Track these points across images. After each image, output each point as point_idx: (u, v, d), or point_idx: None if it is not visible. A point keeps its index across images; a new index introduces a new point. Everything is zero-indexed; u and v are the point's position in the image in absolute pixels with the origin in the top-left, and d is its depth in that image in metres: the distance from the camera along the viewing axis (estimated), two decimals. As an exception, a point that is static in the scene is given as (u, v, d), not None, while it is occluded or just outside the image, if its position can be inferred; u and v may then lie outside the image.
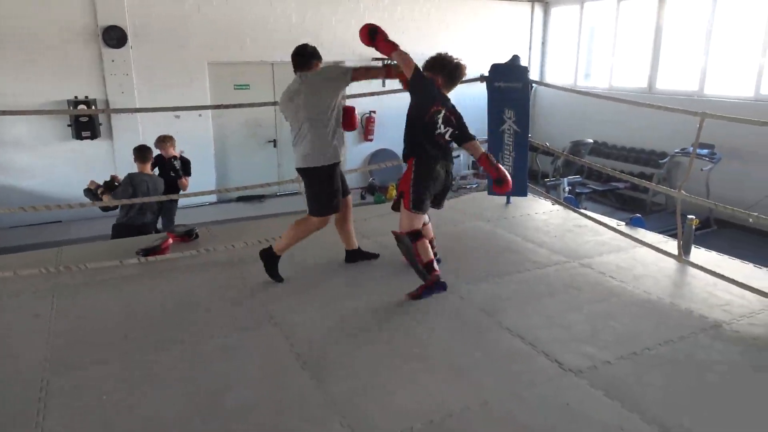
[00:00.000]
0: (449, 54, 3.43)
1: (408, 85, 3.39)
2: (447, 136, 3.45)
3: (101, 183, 5.42)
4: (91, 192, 5.35)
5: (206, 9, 8.42)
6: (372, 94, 6.62)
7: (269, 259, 3.72)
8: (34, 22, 7.59)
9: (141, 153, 5.51)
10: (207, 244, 4.43)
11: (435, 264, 3.46)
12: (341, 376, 2.70)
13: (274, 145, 9.43)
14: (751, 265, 4.06)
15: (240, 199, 9.11)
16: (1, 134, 7.83)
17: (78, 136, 8.00)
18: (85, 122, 7.99)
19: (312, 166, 3.54)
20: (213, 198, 8.99)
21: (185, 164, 6.11)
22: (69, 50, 7.84)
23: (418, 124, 3.39)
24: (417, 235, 3.42)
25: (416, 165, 3.39)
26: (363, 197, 9.69)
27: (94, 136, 8.03)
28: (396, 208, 3.57)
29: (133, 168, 5.48)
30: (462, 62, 3.45)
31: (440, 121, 3.39)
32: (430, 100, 3.35)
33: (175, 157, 5.96)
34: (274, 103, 8.40)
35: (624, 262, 4.08)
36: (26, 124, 7.85)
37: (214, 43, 8.57)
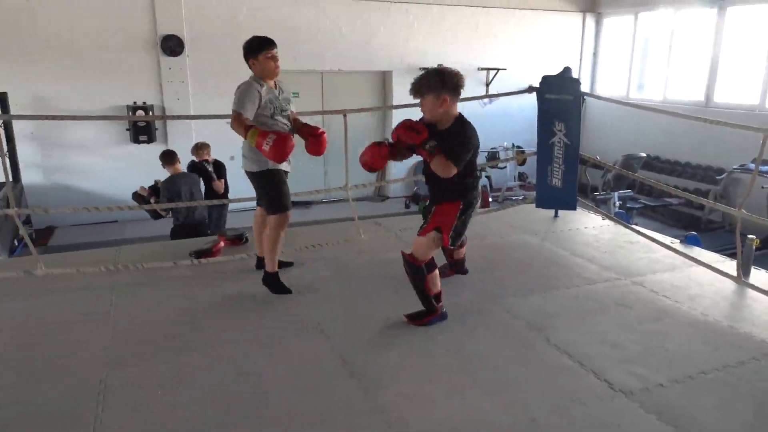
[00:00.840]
0: (439, 66, 3.19)
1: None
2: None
3: (148, 189, 5.70)
4: (141, 197, 5.59)
5: (259, 18, 8.65)
6: (417, 105, 6.67)
7: (270, 280, 3.67)
8: (98, 31, 7.98)
9: (166, 157, 5.76)
10: (256, 248, 4.52)
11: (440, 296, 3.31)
12: (387, 385, 2.71)
13: (321, 153, 9.56)
14: (816, 289, 3.86)
15: (287, 204, 9.27)
16: (65, 138, 8.26)
17: (135, 140, 8.35)
18: (143, 127, 8.34)
19: (251, 171, 3.60)
20: (260, 203, 9.18)
21: (218, 167, 6.31)
22: (130, 58, 8.21)
23: (466, 167, 3.08)
24: (432, 265, 3.22)
25: (463, 209, 3.13)
26: (407, 206, 9.72)
27: (150, 140, 8.37)
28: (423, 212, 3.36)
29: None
30: (454, 69, 3.08)
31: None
32: (474, 150, 3.09)
33: (206, 161, 6.15)
34: (323, 112, 8.60)
35: (679, 281, 3.95)
36: (88, 127, 8.24)
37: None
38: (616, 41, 10.84)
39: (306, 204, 9.31)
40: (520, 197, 9.32)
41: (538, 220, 5.39)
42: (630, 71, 10.53)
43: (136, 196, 5.68)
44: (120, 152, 8.44)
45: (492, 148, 9.79)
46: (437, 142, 2.99)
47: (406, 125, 3.06)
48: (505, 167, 10.11)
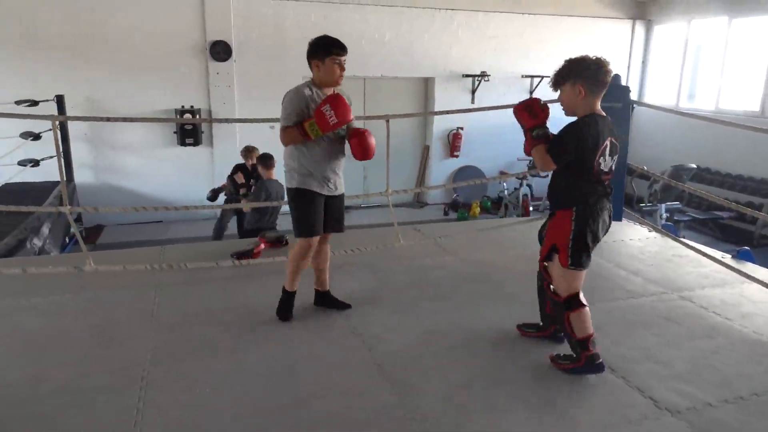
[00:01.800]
0: (590, 56, 2.67)
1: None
2: (610, 169, 2.75)
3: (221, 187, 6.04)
4: (236, 183, 5.93)
5: (304, 25, 8.79)
6: (459, 111, 6.64)
7: (284, 298, 3.38)
8: (150, 36, 8.27)
9: (266, 160, 5.78)
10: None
11: (592, 340, 2.77)
12: (423, 393, 2.68)
13: (362, 158, 9.61)
14: None
15: (326, 208, 9.35)
16: (115, 139, 8.57)
17: (182, 143, 8.59)
18: (189, 130, 8.57)
19: (287, 186, 3.25)
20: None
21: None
22: (179, 62, 8.46)
23: (576, 170, 2.68)
24: (575, 301, 2.75)
25: (577, 215, 2.69)
26: (446, 213, 9.66)
27: (196, 143, 8.59)
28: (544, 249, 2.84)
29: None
30: (603, 59, 2.66)
31: (607, 154, 2.69)
32: (594, 147, 2.62)
33: (255, 166, 6.25)
34: (367, 117, 8.63)
35: (730, 298, 3.78)
36: (138, 130, 8.53)
37: (310, 57, 8.90)
38: (667, 49, 10.54)
39: (345, 209, 9.35)
40: (562, 207, 9.12)
41: (581, 231, 5.26)
42: (681, 79, 10.22)
43: (231, 180, 6.01)
44: (167, 154, 8.70)
45: (534, 157, 9.65)
46: (547, 134, 2.66)
47: (526, 104, 2.72)
48: (548, 176, 9.93)
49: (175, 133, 8.62)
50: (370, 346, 3.12)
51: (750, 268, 4.27)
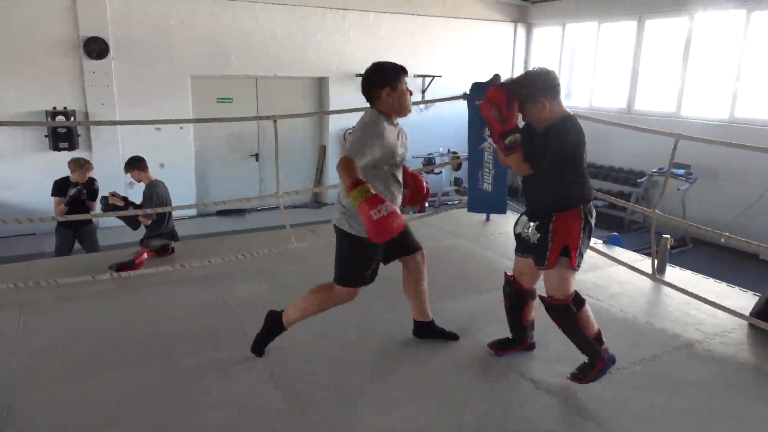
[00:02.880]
0: (533, 69, 2.65)
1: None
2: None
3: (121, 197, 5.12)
4: (113, 205, 4.95)
5: (190, 22, 8.40)
6: (349, 111, 6.68)
7: (271, 327, 2.93)
8: (14, 30, 7.51)
9: (140, 164, 5.22)
10: (183, 259, 4.36)
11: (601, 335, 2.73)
12: (319, 402, 2.65)
13: (256, 159, 9.39)
14: (724, 285, 4.11)
15: (220, 213, 9.04)
16: (-25, 145, 7.70)
17: (55, 147, 7.88)
18: (63, 133, 7.89)
19: (340, 228, 2.75)
20: (193, 212, 8.91)
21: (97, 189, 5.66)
22: (49, 60, 7.76)
23: (573, 168, 2.63)
24: (579, 299, 2.69)
25: (584, 214, 2.62)
26: (345, 212, 9.68)
27: (72, 147, 7.92)
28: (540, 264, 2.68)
29: (114, 180, 5.40)
30: (543, 68, 2.62)
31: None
32: (581, 146, 2.62)
33: (93, 180, 5.57)
34: (260, 117, 8.39)
35: (600, 280, 4.10)
36: (2, 134, 7.72)
37: (198, 56, 8.55)
38: (546, 51, 11.25)
39: (241, 212, 9.10)
40: (456, 202, 9.47)
41: (471, 224, 5.49)
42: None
43: (112, 207, 4.93)
44: (38, 160, 7.94)
45: (428, 154, 9.93)
46: (521, 139, 2.56)
47: (490, 100, 2.56)
48: (441, 173, 10.25)
49: (46, 136, 7.89)
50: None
51: (617, 251, 4.66)
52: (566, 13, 10.55)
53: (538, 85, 2.55)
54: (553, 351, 3.07)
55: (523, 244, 2.79)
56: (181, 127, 8.57)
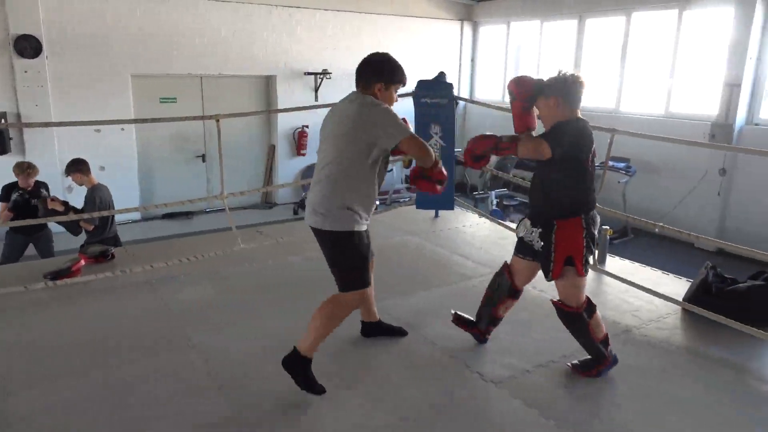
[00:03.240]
0: (564, 71, 2.67)
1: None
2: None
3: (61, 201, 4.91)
4: (52, 210, 4.74)
5: (129, 20, 8.11)
6: (297, 109, 6.64)
7: (297, 366, 2.59)
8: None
9: (82, 167, 4.98)
10: (124, 264, 4.21)
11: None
12: (260, 400, 2.61)
13: (203, 160, 9.16)
14: (659, 272, 4.29)
15: (166, 216, 8.78)
16: None
17: (-14, 152, 7.48)
18: (-6, 136, 7.49)
19: (326, 230, 2.60)
20: (137, 216, 8.63)
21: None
22: (-25, 59, 7.36)
23: (577, 174, 2.64)
24: (591, 308, 2.79)
25: (586, 222, 2.65)
26: (296, 212, 9.58)
27: (3, 151, 7.52)
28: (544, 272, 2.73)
29: (51, 185, 5.16)
30: (576, 72, 2.67)
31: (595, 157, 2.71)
32: (588, 147, 2.64)
33: (40, 184, 5.27)
34: (202, 117, 8.18)
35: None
36: (-74, 138, 7.27)
37: (138, 54, 8.27)
38: (492, 48, 11.45)
39: (187, 215, 8.87)
40: (407, 199, 9.53)
41: (420, 221, 5.53)
42: (505, 77, 11.14)
43: (51, 212, 4.72)
44: (-34, 165, 7.52)
45: (379, 152, 9.95)
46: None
47: (475, 139, 2.79)
48: (392, 170, 10.30)
49: (-25, 140, 7.49)
50: (205, 357, 2.98)
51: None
52: (511, 11, 10.76)
53: (558, 85, 2.62)
54: (501, 344, 3.13)
55: (524, 248, 2.83)
56: (123, 128, 8.28)
